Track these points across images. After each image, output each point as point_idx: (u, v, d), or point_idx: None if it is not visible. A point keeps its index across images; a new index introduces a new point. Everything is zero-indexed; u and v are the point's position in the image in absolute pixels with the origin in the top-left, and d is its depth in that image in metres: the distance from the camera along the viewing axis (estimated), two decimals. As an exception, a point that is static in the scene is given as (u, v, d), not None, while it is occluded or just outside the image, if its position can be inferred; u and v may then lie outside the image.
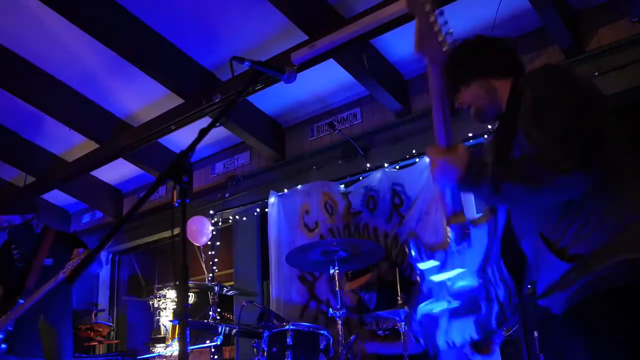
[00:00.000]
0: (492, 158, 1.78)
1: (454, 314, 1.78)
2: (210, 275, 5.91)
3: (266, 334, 3.61)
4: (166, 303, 6.62)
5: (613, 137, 1.62)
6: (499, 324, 1.71)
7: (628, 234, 1.52)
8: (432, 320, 1.83)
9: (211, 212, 6.16)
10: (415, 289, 1.89)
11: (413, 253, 1.90)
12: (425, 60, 1.79)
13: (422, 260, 1.88)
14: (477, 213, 3.91)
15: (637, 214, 1.54)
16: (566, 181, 1.51)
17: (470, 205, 3.98)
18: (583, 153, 1.50)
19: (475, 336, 1.74)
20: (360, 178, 5.18)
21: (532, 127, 1.62)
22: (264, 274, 5.86)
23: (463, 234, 1.75)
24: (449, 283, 1.80)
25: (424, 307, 1.85)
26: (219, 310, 4.26)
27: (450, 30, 1.77)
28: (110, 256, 8.26)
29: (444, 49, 1.75)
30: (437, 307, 1.81)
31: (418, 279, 1.92)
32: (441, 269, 1.82)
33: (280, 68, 2.10)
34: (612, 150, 1.60)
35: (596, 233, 1.55)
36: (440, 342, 1.80)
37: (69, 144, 6.78)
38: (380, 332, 3.97)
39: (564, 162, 1.50)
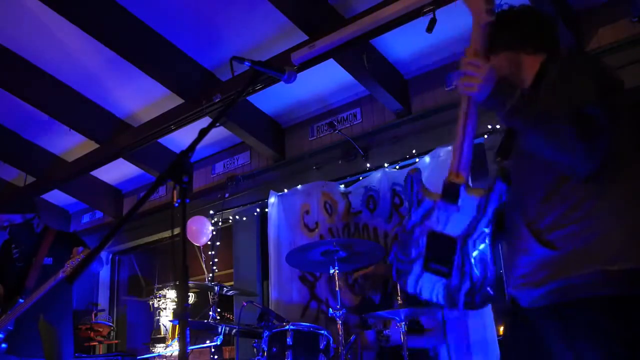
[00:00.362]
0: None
1: (426, 264, 1.78)
2: (210, 275, 5.91)
3: (266, 334, 3.61)
4: (166, 303, 6.62)
5: (619, 134, 1.61)
6: (466, 304, 1.72)
7: (607, 241, 1.52)
8: (407, 261, 1.83)
9: (211, 212, 6.16)
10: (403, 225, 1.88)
11: (408, 189, 1.89)
12: (472, 16, 1.77)
13: (410, 198, 1.88)
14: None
15: (621, 221, 1.53)
16: (579, 146, 1.49)
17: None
18: (604, 128, 1.50)
19: (442, 302, 1.76)
20: (360, 178, 5.18)
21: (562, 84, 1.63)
22: (264, 274, 5.85)
23: (452, 194, 1.75)
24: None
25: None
26: (219, 310, 4.26)
27: None
28: (110, 256, 8.27)
29: (487, 8, 1.74)
30: (413, 249, 1.82)
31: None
32: (424, 216, 1.83)
33: (280, 68, 2.10)
34: (616, 146, 1.58)
35: (576, 227, 1.55)
36: (410, 287, 1.82)
37: (69, 144, 6.78)
38: (383, 342, 3.98)
39: (586, 127, 1.48)
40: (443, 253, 1.75)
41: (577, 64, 1.73)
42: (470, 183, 1.77)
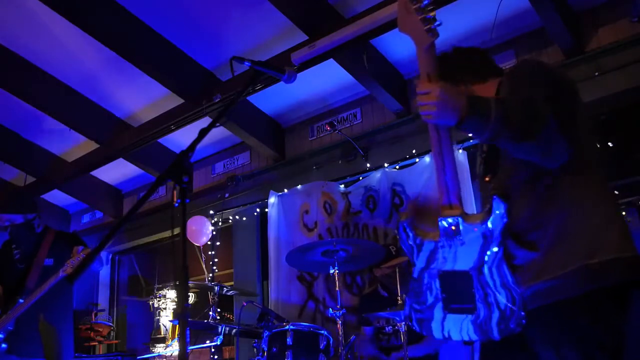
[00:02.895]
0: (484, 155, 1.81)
1: (447, 306, 1.68)
2: (210, 275, 5.91)
3: (266, 334, 3.61)
4: (166, 303, 6.62)
5: (586, 138, 1.66)
6: (501, 332, 1.60)
7: (583, 237, 1.54)
8: (426, 308, 1.74)
9: (211, 212, 6.16)
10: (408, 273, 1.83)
11: (403, 238, 1.80)
12: (413, 42, 1.79)
13: (409, 246, 1.79)
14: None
15: (591, 218, 1.56)
16: (549, 136, 1.51)
17: (470, 204, 3.97)
18: (560, 119, 1.53)
19: (475, 337, 1.66)
20: (360, 178, 5.18)
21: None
22: (264, 274, 5.85)
23: (452, 230, 1.64)
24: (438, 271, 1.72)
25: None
26: (219, 310, 4.26)
27: (433, 11, 1.81)
28: (110, 256, 8.27)
29: (427, 28, 1.77)
30: (429, 295, 1.73)
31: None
32: (429, 259, 1.73)
33: (280, 68, 2.10)
34: (583, 147, 1.63)
35: (552, 227, 1.57)
36: (436, 332, 1.72)
37: (69, 144, 6.78)
38: (384, 342, 3.98)
39: (545, 115, 1.50)
40: (461, 290, 1.64)
41: (522, 77, 1.72)
42: (466, 208, 1.66)
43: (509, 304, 1.59)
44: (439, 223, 1.65)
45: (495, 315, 1.61)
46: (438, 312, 1.70)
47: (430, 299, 1.71)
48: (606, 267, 1.50)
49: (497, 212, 1.59)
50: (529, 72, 1.72)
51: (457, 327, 1.67)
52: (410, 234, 1.76)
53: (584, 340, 1.50)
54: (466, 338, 1.67)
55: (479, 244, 1.62)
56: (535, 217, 1.60)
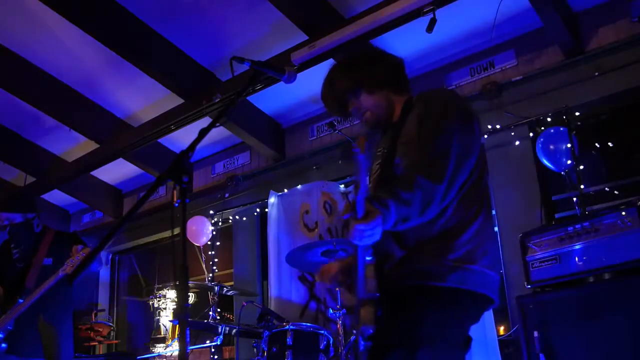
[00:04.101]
0: (379, 172, 1.91)
1: None
2: (210, 275, 5.91)
3: (266, 334, 3.61)
4: (166, 303, 6.62)
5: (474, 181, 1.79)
6: None
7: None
8: None
9: (211, 212, 6.16)
10: None
11: None
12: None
13: None
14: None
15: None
16: (434, 191, 1.64)
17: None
18: (451, 173, 1.66)
19: None
20: (360, 178, 5.18)
21: (414, 139, 1.78)
22: (264, 274, 5.85)
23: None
24: None
25: None
26: (219, 310, 4.26)
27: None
28: (110, 256, 8.26)
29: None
30: None
31: None
32: None
33: (280, 68, 2.10)
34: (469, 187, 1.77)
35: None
36: None
37: (69, 144, 6.78)
38: None
39: (437, 172, 1.65)
40: None
41: (439, 109, 1.81)
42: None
43: None
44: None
45: None
46: None
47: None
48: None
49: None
50: (439, 116, 1.79)
51: None
52: None
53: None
54: None
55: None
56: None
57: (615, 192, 4.11)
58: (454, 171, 1.67)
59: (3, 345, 3.43)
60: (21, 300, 3.42)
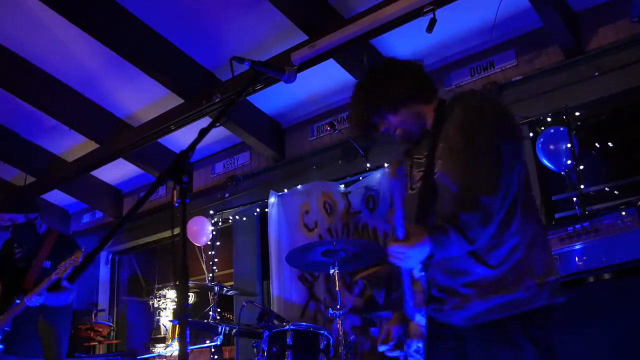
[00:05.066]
0: (422, 184, 1.91)
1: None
2: (210, 275, 5.91)
3: (266, 334, 3.61)
4: (166, 303, 6.62)
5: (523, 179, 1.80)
6: None
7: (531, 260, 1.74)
8: None
9: (211, 212, 6.16)
10: None
11: None
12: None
13: None
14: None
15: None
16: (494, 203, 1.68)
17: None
18: (504, 183, 1.70)
19: None
20: (360, 178, 5.18)
21: (457, 151, 1.78)
22: (264, 274, 5.85)
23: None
24: None
25: None
26: (219, 310, 4.26)
27: None
28: (110, 256, 8.26)
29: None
30: None
31: None
32: None
33: (280, 68, 2.09)
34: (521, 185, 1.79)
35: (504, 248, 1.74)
36: None
37: (69, 144, 6.78)
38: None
39: (492, 186, 1.68)
40: None
41: (478, 113, 1.83)
42: None
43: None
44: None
45: None
46: None
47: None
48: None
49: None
50: (477, 123, 1.80)
51: None
52: None
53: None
54: None
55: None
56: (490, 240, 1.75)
57: (615, 192, 4.11)
58: (505, 181, 1.71)
59: (0, 345, 3.43)
60: (18, 301, 3.42)
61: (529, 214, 1.79)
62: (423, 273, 1.80)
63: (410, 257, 1.65)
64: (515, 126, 1.85)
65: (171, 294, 6.64)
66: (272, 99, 5.61)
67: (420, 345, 1.78)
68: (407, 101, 1.97)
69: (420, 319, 1.79)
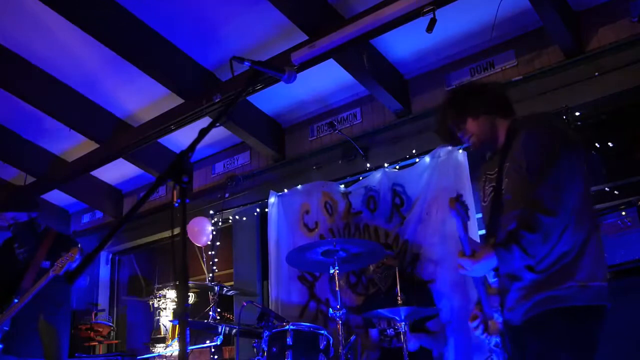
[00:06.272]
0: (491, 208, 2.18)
1: None
2: (210, 275, 5.90)
3: (266, 334, 3.60)
4: (166, 303, 6.61)
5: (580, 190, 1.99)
6: None
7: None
8: None
9: (211, 212, 6.16)
10: None
11: None
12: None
13: None
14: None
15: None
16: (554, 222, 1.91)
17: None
18: (564, 202, 1.91)
19: None
20: (361, 178, 5.18)
21: (522, 172, 2.02)
22: (264, 274, 5.85)
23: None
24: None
25: None
26: (219, 310, 4.26)
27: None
28: (110, 256, 8.26)
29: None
30: None
31: None
32: None
33: (280, 68, 2.09)
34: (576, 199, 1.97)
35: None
36: None
37: (69, 144, 6.78)
38: (385, 344, 3.98)
39: (554, 206, 1.89)
40: None
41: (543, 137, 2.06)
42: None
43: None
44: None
45: None
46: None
47: None
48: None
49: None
50: (543, 153, 2.01)
51: None
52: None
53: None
54: None
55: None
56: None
57: (615, 192, 4.11)
58: (566, 199, 1.90)
59: (0, 345, 3.43)
60: (16, 300, 3.42)
61: (584, 221, 1.98)
62: (496, 279, 2.12)
63: (475, 269, 2.04)
64: (575, 147, 2.01)
65: (171, 294, 6.64)
66: (272, 99, 5.61)
67: (498, 339, 2.12)
68: (487, 111, 2.25)
69: (497, 317, 2.12)
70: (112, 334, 7.26)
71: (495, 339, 2.13)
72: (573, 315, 1.89)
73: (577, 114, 4.14)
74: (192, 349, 4.95)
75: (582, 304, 1.89)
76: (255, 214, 6.11)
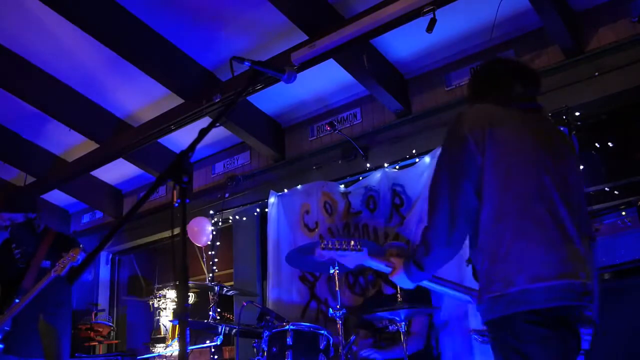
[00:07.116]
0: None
1: None
2: (210, 275, 5.91)
3: (266, 334, 3.61)
4: (166, 303, 6.62)
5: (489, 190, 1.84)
6: None
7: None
8: None
9: (211, 212, 6.16)
10: None
11: None
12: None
13: None
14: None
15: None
16: None
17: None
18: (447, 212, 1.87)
19: None
20: (360, 178, 5.18)
21: None
22: (264, 274, 5.85)
23: None
24: None
25: None
26: (219, 310, 4.26)
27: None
28: (110, 256, 8.26)
29: None
30: None
31: None
32: None
33: (280, 68, 2.09)
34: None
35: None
36: None
37: (69, 144, 6.79)
38: (383, 343, 3.97)
39: (430, 220, 1.89)
40: None
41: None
42: None
43: None
44: None
45: None
46: None
47: None
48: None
49: None
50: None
51: None
52: None
53: None
54: None
55: None
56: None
57: (615, 192, 4.11)
58: (449, 204, 1.81)
59: (0, 345, 3.43)
60: (17, 301, 3.42)
61: (502, 220, 1.74)
62: None
63: (395, 282, 2.10)
64: (461, 142, 1.82)
65: (171, 294, 6.64)
66: (272, 99, 5.61)
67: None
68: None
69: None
70: (112, 334, 7.26)
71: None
72: (491, 329, 1.84)
73: (577, 114, 4.14)
74: (192, 349, 4.95)
75: (496, 317, 1.75)
76: (255, 214, 6.12)
